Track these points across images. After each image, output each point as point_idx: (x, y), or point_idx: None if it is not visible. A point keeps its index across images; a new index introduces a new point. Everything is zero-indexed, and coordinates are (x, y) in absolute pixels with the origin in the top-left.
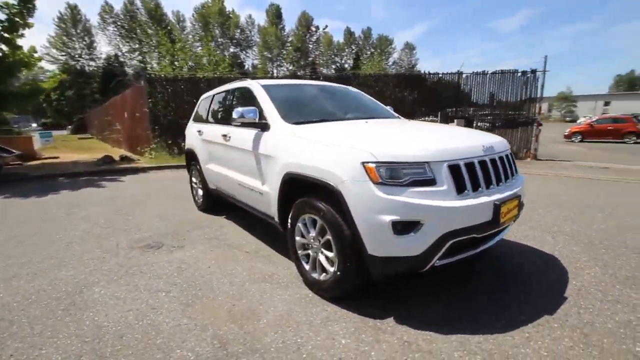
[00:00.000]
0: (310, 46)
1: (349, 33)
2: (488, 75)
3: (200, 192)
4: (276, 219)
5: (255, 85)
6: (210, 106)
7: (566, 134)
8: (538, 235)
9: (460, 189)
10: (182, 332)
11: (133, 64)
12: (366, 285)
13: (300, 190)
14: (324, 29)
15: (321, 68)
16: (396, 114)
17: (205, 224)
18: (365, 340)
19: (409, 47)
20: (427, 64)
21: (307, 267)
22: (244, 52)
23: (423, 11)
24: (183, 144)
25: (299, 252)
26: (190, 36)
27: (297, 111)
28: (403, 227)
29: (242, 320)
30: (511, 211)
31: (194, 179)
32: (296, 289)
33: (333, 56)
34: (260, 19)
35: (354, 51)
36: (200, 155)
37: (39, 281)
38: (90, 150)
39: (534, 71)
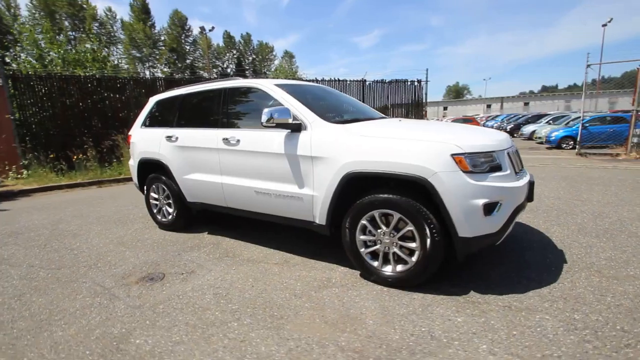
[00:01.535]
0: (188, 48)
1: (228, 37)
2: (386, 84)
3: (170, 209)
4: (319, 222)
5: (269, 85)
6: (184, 108)
7: None
8: None
9: (515, 172)
10: (305, 355)
11: None
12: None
13: (357, 189)
14: (210, 30)
15: (201, 72)
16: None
17: (193, 244)
18: (474, 313)
19: (289, 56)
20: (306, 72)
21: (375, 263)
22: (107, 49)
23: (294, 22)
24: (76, 157)
25: (362, 250)
26: (28, 25)
27: (326, 111)
28: (489, 208)
29: (350, 327)
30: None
31: (154, 195)
32: (366, 287)
33: (214, 60)
34: (124, 13)
35: (235, 56)
36: (174, 165)
37: (33, 351)
38: None
39: (419, 81)
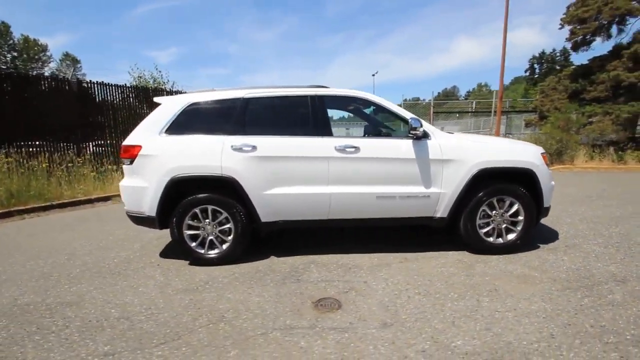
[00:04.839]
0: None
1: None
2: None
3: (229, 236)
4: (441, 215)
5: (376, 97)
6: (254, 114)
7: None
8: None
9: None
10: (557, 298)
11: None
12: None
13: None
14: None
15: None
16: None
17: (285, 269)
18: (565, 252)
19: (72, 59)
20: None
21: (491, 239)
22: None
23: (61, 19)
24: None
25: (480, 231)
26: None
27: None
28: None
29: (535, 280)
30: None
31: (192, 223)
32: (489, 258)
33: None
34: None
35: None
36: (250, 180)
37: None
38: None
39: None
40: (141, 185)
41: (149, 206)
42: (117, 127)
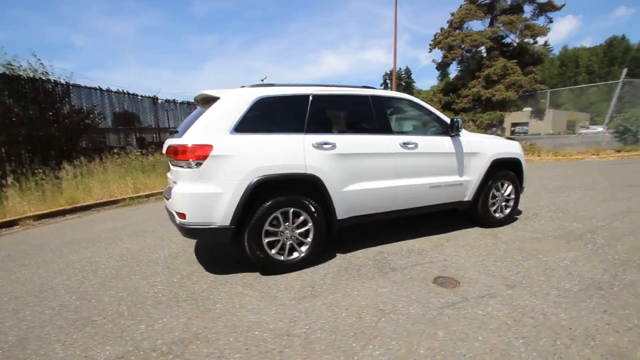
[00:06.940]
0: None
1: None
2: (178, 105)
3: (307, 238)
4: (468, 199)
5: (421, 101)
6: (325, 111)
7: None
8: None
9: None
10: (566, 249)
11: None
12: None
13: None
14: None
15: None
16: None
17: (363, 262)
18: (532, 222)
19: None
20: None
21: (497, 215)
22: None
23: None
24: None
25: (491, 208)
26: None
27: None
28: None
29: (555, 239)
30: None
31: (271, 228)
32: (500, 229)
33: None
34: None
35: None
36: (331, 178)
37: None
38: None
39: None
40: (214, 191)
41: (223, 215)
42: None
